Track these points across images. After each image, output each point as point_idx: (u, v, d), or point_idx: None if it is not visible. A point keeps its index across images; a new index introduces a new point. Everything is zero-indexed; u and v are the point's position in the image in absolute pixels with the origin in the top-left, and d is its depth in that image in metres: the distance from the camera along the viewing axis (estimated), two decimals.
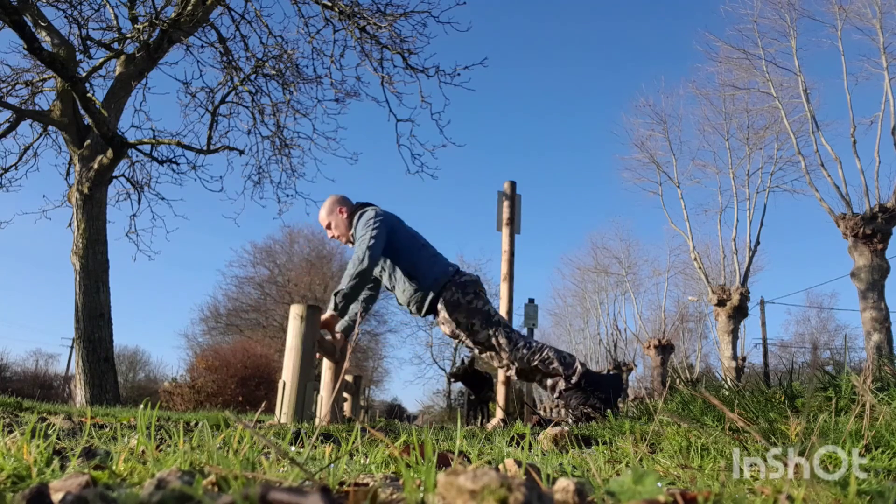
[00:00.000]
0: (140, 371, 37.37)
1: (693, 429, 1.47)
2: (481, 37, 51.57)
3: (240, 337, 26.03)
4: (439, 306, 3.74)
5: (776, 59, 13.09)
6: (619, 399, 3.67)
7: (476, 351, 3.88)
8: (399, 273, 3.76)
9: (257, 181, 10.22)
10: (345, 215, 3.85)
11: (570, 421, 3.52)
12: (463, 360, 6.09)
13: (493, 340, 3.68)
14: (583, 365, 3.65)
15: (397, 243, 3.72)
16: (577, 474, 1.06)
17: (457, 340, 3.88)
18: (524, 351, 3.67)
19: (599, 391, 3.55)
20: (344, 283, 3.44)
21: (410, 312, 3.90)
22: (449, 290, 3.71)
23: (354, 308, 3.93)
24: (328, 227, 3.91)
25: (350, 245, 3.82)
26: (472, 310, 3.70)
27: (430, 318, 3.93)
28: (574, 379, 3.58)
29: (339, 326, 3.69)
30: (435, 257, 3.82)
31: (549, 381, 3.68)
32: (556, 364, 3.62)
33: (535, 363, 3.65)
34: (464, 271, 3.86)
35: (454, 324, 3.73)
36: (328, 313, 3.43)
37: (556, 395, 3.69)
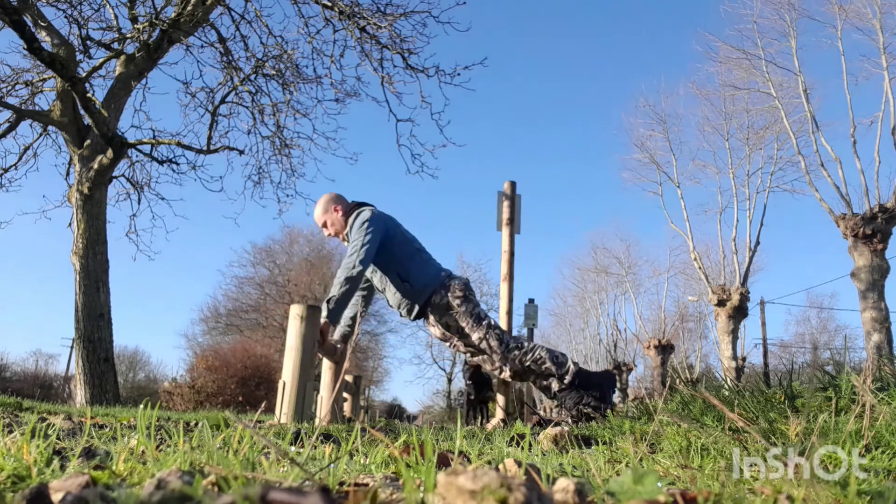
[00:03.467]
0: (140, 371, 37.35)
1: (693, 429, 1.47)
2: (481, 37, 51.58)
3: (240, 337, 26.04)
4: (429, 310, 3.74)
5: (776, 59, 13.10)
6: (613, 394, 3.70)
7: (468, 355, 3.87)
8: (391, 276, 3.75)
9: (257, 181, 10.24)
10: (340, 213, 3.84)
11: (569, 421, 3.52)
12: (466, 359, 6.08)
13: (484, 343, 3.69)
14: (575, 364, 3.66)
15: (392, 246, 3.70)
16: (577, 474, 1.06)
17: (448, 343, 3.87)
18: (516, 352, 3.68)
19: (593, 389, 3.57)
20: (334, 290, 3.41)
21: (401, 315, 3.88)
22: (439, 293, 3.71)
23: (349, 313, 3.90)
24: (324, 225, 3.89)
25: (346, 243, 3.80)
26: (461, 313, 3.69)
27: (422, 322, 3.92)
28: (567, 378, 3.60)
29: (336, 334, 3.67)
30: (428, 262, 3.81)
31: (544, 382, 3.69)
32: (548, 364, 3.63)
33: (528, 363, 3.66)
34: (455, 275, 3.84)
35: (444, 327, 3.73)
36: (321, 321, 3.35)
37: (550, 396, 3.70)
